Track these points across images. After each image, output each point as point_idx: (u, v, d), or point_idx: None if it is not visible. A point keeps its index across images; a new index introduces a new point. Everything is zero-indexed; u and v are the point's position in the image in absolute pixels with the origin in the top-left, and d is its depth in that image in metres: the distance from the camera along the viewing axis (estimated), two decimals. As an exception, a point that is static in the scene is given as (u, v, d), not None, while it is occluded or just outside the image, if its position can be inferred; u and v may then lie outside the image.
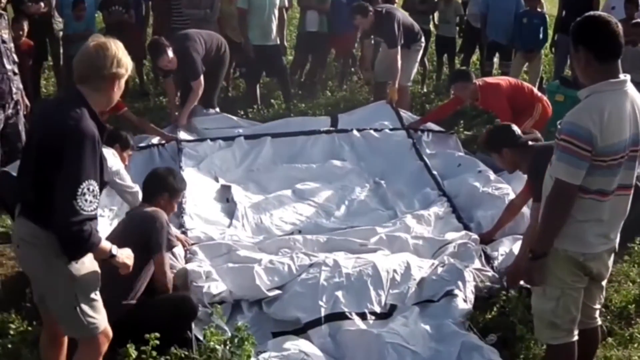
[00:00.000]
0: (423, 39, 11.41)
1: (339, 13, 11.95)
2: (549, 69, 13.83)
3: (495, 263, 6.71)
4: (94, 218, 4.18)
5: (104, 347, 4.58)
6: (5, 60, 7.84)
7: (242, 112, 10.54)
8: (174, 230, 6.41)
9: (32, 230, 4.25)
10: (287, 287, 6.09)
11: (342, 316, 5.70)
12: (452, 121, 10.58)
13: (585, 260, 4.45)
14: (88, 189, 4.07)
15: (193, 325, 5.55)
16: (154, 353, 4.76)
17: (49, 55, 12.04)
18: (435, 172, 8.51)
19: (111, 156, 6.57)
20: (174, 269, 6.09)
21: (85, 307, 4.37)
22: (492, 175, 8.13)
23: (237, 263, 6.36)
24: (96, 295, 4.44)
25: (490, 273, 6.49)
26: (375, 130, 9.42)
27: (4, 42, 7.90)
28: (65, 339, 4.85)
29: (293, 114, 10.77)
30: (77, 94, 4.27)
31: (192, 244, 6.72)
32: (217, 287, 6.00)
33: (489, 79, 9.72)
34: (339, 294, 5.85)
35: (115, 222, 6.45)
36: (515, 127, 6.54)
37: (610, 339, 5.87)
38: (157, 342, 4.77)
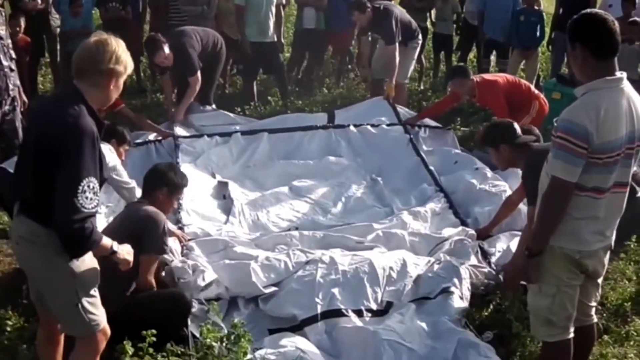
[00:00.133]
0: (420, 37, 11.40)
1: (336, 10, 11.97)
2: (546, 66, 13.83)
3: (493, 259, 6.72)
4: (94, 215, 4.18)
5: (102, 344, 4.58)
6: (2, 57, 7.84)
7: (239, 109, 10.55)
8: (171, 226, 6.41)
9: (32, 228, 4.24)
10: (283, 284, 6.08)
11: (338, 313, 5.71)
12: (449, 118, 10.58)
13: (581, 257, 4.46)
14: (88, 186, 4.06)
15: (189, 322, 5.54)
16: (151, 350, 4.76)
17: (46, 51, 12.05)
18: (432, 168, 8.52)
19: (108, 151, 6.56)
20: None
21: (86, 304, 4.36)
22: (489, 173, 8.13)
23: (234, 259, 6.36)
24: (95, 292, 4.44)
25: (487, 269, 6.50)
26: (372, 125, 9.42)
27: (0, 38, 7.90)
28: (62, 337, 4.84)
29: (290, 111, 10.78)
30: (75, 91, 4.26)
31: (189, 240, 6.71)
32: (205, 277, 5.98)
33: (487, 76, 9.73)
34: (335, 290, 5.85)
35: (112, 219, 6.44)
36: (515, 125, 6.54)
37: (606, 337, 5.87)
38: (154, 338, 4.77)
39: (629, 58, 10.35)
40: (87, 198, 4.06)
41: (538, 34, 12.13)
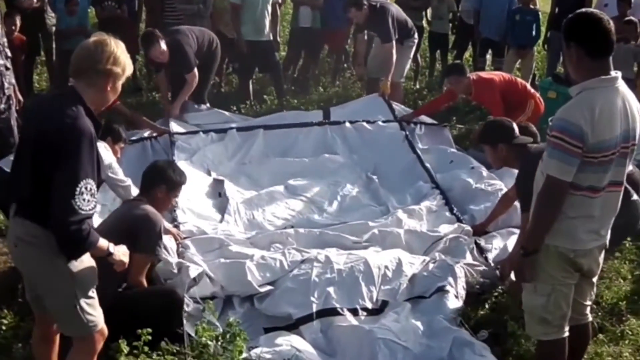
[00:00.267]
0: (416, 35, 11.40)
1: (331, 9, 11.95)
2: (541, 65, 13.86)
3: (489, 255, 6.74)
4: (91, 217, 4.17)
5: (99, 345, 4.57)
6: (-3, 56, 7.83)
7: (234, 108, 10.55)
8: (167, 224, 6.40)
9: (30, 230, 4.22)
10: (278, 283, 6.09)
11: (333, 312, 5.72)
12: (444, 117, 10.58)
13: (575, 256, 4.46)
14: (86, 188, 4.05)
15: (185, 321, 5.53)
16: (146, 348, 4.76)
17: (42, 50, 12.01)
18: (427, 165, 8.52)
19: (103, 149, 6.54)
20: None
21: (84, 305, 4.35)
22: (485, 172, 8.14)
23: (229, 258, 6.36)
24: (93, 293, 4.43)
25: (482, 268, 6.51)
26: (368, 122, 9.42)
27: (-4, 37, 7.89)
28: (58, 336, 4.83)
29: (286, 109, 10.75)
30: (72, 91, 4.24)
31: (185, 238, 6.70)
32: (190, 273, 5.96)
33: (483, 74, 9.75)
34: (331, 289, 5.86)
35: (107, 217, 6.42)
36: (514, 125, 6.53)
37: (601, 336, 5.88)
38: (149, 337, 4.77)
39: (625, 57, 10.38)
40: (84, 200, 4.04)
41: (534, 33, 12.15)
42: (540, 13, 12.49)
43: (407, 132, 9.26)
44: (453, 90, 9.66)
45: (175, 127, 9.23)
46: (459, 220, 7.37)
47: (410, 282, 6.15)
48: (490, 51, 12.88)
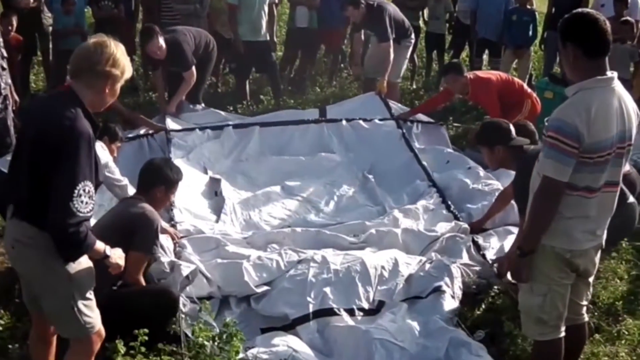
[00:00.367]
0: (413, 35, 11.41)
1: (328, 9, 11.96)
2: (538, 66, 13.86)
3: (487, 252, 6.75)
4: (89, 219, 4.16)
5: (97, 346, 4.56)
6: (-6, 56, 7.83)
7: (231, 108, 10.54)
8: (164, 224, 6.40)
9: (27, 231, 4.21)
10: (275, 283, 6.09)
11: (330, 312, 5.72)
12: (441, 117, 10.60)
13: (572, 256, 4.47)
14: (84, 190, 4.04)
15: (182, 321, 5.53)
16: (143, 349, 4.75)
17: (38, 50, 11.99)
18: (424, 163, 8.52)
19: (100, 149, 6.54)
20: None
21: (82, 307, 4.35)
22: (482, 172, 8.14)
23: (226, 259, 6.35)
24: (91, 295, 4.43)
25: (479, 268, 6.51)
26: (365, 120, 9.41)
27: (-8, 37, 7.89)
28: (55, 337, 4.83)
29: (282, 110, 10.72)
30: (70, 92, 4.23)
31: (182, 237, 6.70)
32: (182, 272, 5.95)
33: (480, 73, 9.74)
34: (327, 290, 5.86)
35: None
36: (511, 126, 6.51)
37: (597, 336, 5.88)
38: (146, 337, 4.76)
39: (621, 57, 10.39)
40: (82, 202, 4.04)
41: (530, 33, 12.16)
42: (536, 13, 12.49)
43: (404, 131, 9.25)
44: (450, 89, 9.67)
45: (171, 124, 9.22)
46: (456, 217, 7.37)
47: (406, 282, 6.15)
48: (487, 51, 12.89)
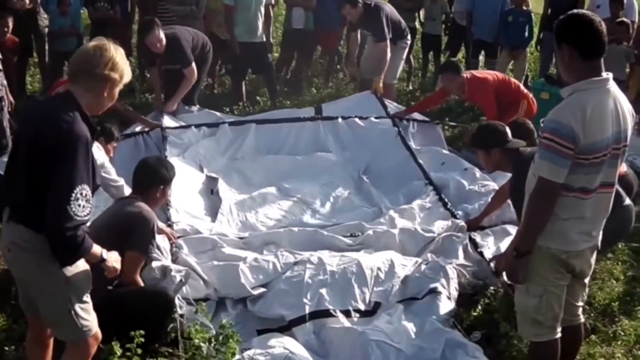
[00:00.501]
0: (409, 36, 11.42)
1: (324, 10, 11.96)
2: (534, 67, 13.89)
3: (484, 250, 6.75)
4: (86, 223, 4.16)
5: (94, 349, 4.56)
6: (-11, 57, 7.83)
7: (227, 109, 10.54)
8: (160, 224, 6.39)
9: (24, 234, 4.20)
10: (271, 285, 6.08)
11: (326, 314, 5.71)
12: (437, 117, 10.60)
13: (567, 257, 4.47)
14: (81, 194, 4.04)
15: (179, 323, 5.52)
16: (139, 350, 4.75)
17: (34, 51, 11.98)
18: (421, 161, 8.51)
19: (96, 149, 6.49)
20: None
21: (79, 310, 4.35)
22: (478, 173, 8.14)
23: (222, 261, 6.35)
24: (88, 298, 4.42)
25: (475, 268, 6.51)
26: (361, 118, 9.40)
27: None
28: (52, 340, 4.82)
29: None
30: (68, 95, 4.22)
31: (178, 237, 6.69)
32: (175, 276, 5.91)
33: (477, 73, 9.72)
34: (324, 291, 5.85)
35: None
36: (507, 129, 6.50)
37: (593, 336, 5.90)
38: (142, 339, 4.75)
39: (617, 58, 10.42)
40: (79, 206, 4.03)
41: (526, 34, 12.18)
42: (532, 14, 12.51)
43: (400, 129, 9.24)
44: (446, 88, 9.68)
45: (167, 121, 9.21)
46: (453, 215, 7.36)
47: (402, 283, 6.15)
48: (482, 52, 12.89)
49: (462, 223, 7.13)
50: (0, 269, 6.53)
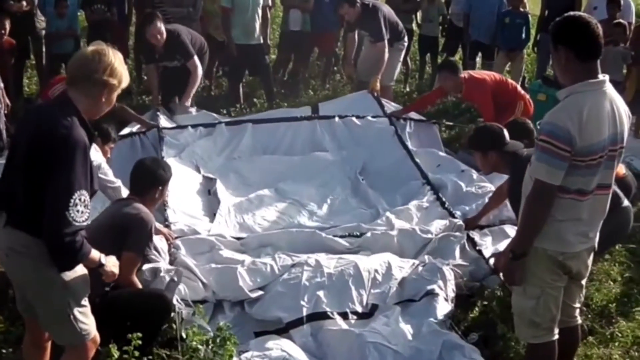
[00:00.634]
0: (406, 38, 11.42)
1: (321, 12, 11.98)
2: (531, 68, 13.89)
3: (482, 249, 6.76)
4: (84, 228, 4.16)
5: (92, 353, 4.56)
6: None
7: (224, 111, 10.53)
8: (158, 225, 6.38)
9: (22, 240, 4.20)
10: (269, 287, 6.08)
11: (323, 316, 5.70)
12: (434, 118, 10.59)
13: (564, 259, 4.48)
14: (80, 199, 4.04)
15: (177, 325, 5.51)
16: (137, 353, 4.74)
17: (31, 53, 11.97)
18: (418, 160, 8.52)
19: (93, 150, 6.49)
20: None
21: (77, 314, 4.34)
22: (475, 175, 8.14)
23: (220, 264, 6.35)
24: (86, 302, 4.42)
25: (472, 267, 6.53)
26: (357, 117, 9.40)
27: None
28: (49, 343, 4.82)
29: (275, 112, 10.75)
30: (66, 100, 4.21)
31: (176, 238, 6.68)
32: (165, 277, 5.92)
33: (475, 73, 9.73)
34: (321, 293, 5.85)
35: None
36: (505, 132, 6.50)
37: (591, 338, 5.90)
38: (140, 342, 4.75)
39: (614, 60, 10.43)
40: (78, 211, 4.03)
41: (523, 35, 12.19)
42: (529, 15, 12.52)
43: (397, 128, 9.23)
44: (443, 87, 9.68)
45: (163, 122, 9.21)
46: (450, 214, 7.36)
47: (400, 285, 6.15)
48: (480, 54, 12.90)
49: (460, 222, 7.13)
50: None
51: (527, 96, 9.57)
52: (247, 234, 7.15)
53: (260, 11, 11.24)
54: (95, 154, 6.57)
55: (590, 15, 4.54)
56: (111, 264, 4.53)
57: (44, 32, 11.64)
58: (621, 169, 6.59)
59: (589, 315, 6.18)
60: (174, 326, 5.43)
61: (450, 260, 6.51)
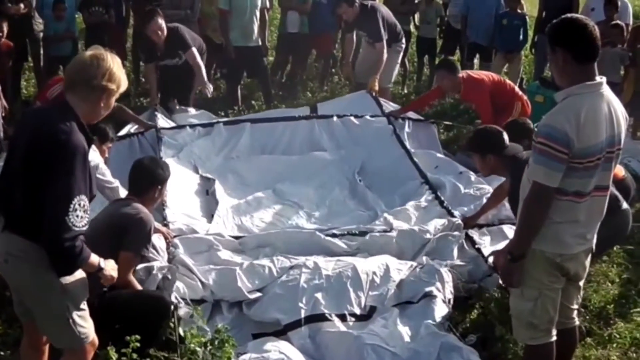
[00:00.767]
0: (404, 40, 11.43)
1: (319, 13, 11.98)
2: (529, 69, 13.89)
3: (482, 248, 6.77)
4: (83, 233, 4.15)
5: (90, 356, 4.56)
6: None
7: (222, 113, 10.53)
8: (156, 224, 6.38)
9: (20, 244, 4.19)
10: (267, 289, 6.07)
11: (322, 318, 5.70)
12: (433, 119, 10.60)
13: (562, 260, 4.48)
14: (79, 204, 4.03)
15: (179, 327, 5.50)
16: (135, 355, 4.73)
17: (29, 56, 11.97)
18: (416, 160, 8.51)
19: (90, 151, 6.50)
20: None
21: (76, 318, 4.34)
22: (473, 176, 8.14)
23: (219, 265, 6.35)
24: (84, 305, 4.42)
25: (470, 266, 6.53)
26: (356, 116, 9.39)
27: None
28: (47, 346, 4.81)
29: (273, 113, 10.75)
30: (65, 105, 4.21)
31: (174, 237, 6.67)
32: (158, 274, 5.94)
33: (473, 73, 9.73)
34: (319, 295, 5.85)
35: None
36: (505, 135, 6.51)
37: (589, 339, 5.90)
38: (138, 344, 4.74)
39: (611, 61, 10.44)
40: (77, 216, 4.03)
41: (521, 37, 12.20)
42: (527, 17, 12.53)
43: (395, 127, 9.22)
44: (441, 86, 9.68)
45: (162, 122, 9.21)
46: (449, 213, 7.35)
47: (398, 287, 6.14)
48: (477, 55, 12.92)
49: (458, 221, 7.13)
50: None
51: (525, 97, 9.57)
52: (245, 234, 7.13)
53: (258, 13, 11.25)
54: (93, 154, 6.55)
55: (587, 16, 4.57)
56: (110, 267, 4.52)
57: (41, 34, 11.65)
58: (620, 171, 6.59)
59: (587, 317, 6.18)
60: (172, 326, 5.44)
61: (448, 261, 6.51)
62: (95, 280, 4.59)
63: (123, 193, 6.44)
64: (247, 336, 5.71)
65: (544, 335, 4.67)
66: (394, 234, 6.91)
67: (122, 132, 8.73)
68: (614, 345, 5.89)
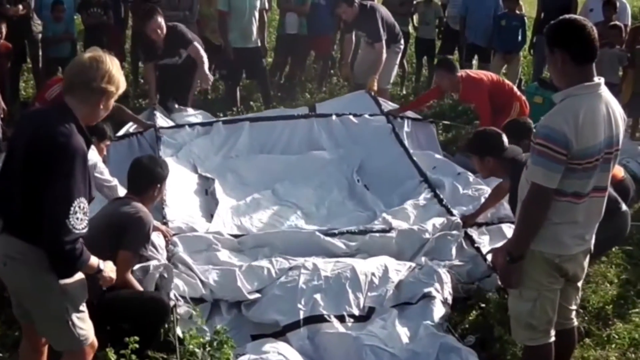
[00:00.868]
0: (403, 41, 11.43)
1: (317, 14, 11.98)
2: (527, 70, 13.91)
3: (481, 247, 6.77)
4: (83, 235, 4.15)
5: (89, 357, 4.55)
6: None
7: (221, 114, 10.54)
8: (155, 222, 6.38)
9: (19, 247, 4.19)
10: (265, 290, 6.07)
11: (320, 319, 5.70)
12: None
13: (561, 261, 4.48)
14: (79, 207, 4.03)
15: (178, 329, 5.50)
16: (134, 357, 4.73)
17: (28, 57, 11.97)
18: (415, 159, 8.51)
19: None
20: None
21: (75, 320, 4.34)
22: (471, 177, 8.13)
23: (218, 266, 6.35)
24: (83, 307, 4.42)
25: (469, 266, 6.53)
26: (355, 115, 9.39)
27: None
28: (46, 347, 4.81)
29: (272, 115, 10.76)
30: (64, 107, 4.20)
31: (174, 235, 6.66)
32: (155, 273, 5.91)
33: (472, 72, 9.71)
34: (318, 296, 5.85)
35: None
36: (504, 137, 6.51)
37: (587, 340, 5.91)
38: (137, 345, 4.74)
39: (610, 62, 10.43)
40: (77, 219, 4.03)
41: (520, 38, 12.21)
42: (526, 18, 12.53)
43: (394, 126, 9.22)
44: (440, 86, 9.68)
45: (160, 121, 9.21)
46: (448, 212, 7.34)
47: (396, 288, 6.15)
48: (476, 56, 12.92)
49: (457, 220, 7.12)
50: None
51: (523, 97, 9.57)
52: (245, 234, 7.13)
53: (257, 14, 11.24)
54: (91, 153, 6.54)
55: (586, 17, 4.57)
56: (109, 269, 4.52)
57: (40, 35, 11.65)
58: (620, 172, 6.60)
59: (586, 317, 6.18)
60: (171, 325, 5.44)
61: (447, 261, 6.51)
62: (94, 282, 4.60)
63: (122, 192, 6.43)
64: (246, 337, 5.72)
65: (542, 336, 4.67)
66: (393, 234, 6.91)
67: (121, 132, 8.72)
68: (613, 345, 5.89)
